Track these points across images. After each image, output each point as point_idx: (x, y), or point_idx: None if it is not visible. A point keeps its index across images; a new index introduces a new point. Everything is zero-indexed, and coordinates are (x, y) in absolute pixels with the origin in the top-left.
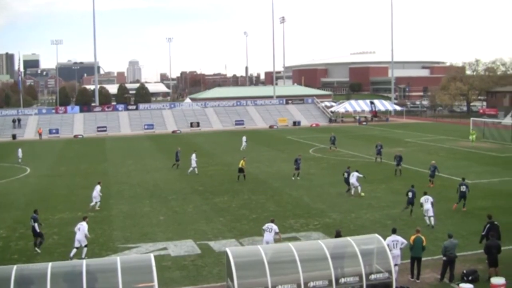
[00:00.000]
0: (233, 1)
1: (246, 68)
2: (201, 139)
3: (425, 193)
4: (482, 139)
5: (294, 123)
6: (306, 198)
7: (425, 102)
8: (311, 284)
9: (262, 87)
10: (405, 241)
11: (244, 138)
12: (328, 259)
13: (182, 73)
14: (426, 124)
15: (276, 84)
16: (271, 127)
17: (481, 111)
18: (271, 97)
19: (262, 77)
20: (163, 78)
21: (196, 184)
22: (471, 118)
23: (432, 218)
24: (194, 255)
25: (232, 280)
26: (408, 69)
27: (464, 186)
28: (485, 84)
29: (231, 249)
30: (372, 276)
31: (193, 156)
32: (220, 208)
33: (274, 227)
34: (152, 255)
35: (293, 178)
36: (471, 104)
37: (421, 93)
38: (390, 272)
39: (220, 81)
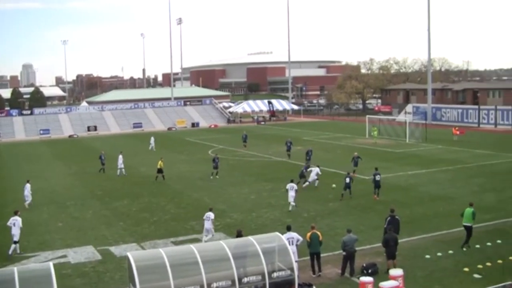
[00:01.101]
0: (129, 3)
1: (144, 70)
2: (99, 143)
3: (291, 181)
4: (378, 136)
5: (193, 125)
6: (206, 199)
7: (322, 101)
8: (214, 284)
9: (160, 89)
10: (300, 238)
11: (152, 139)
12: (230, 259)
13: (78, 76)
14: (323, 122)
15: (174, 85)
16: (169, 129)
17: (376, 108)
18: (169, 98)
19: (160, 78)
20: (59, 81)
21: (95, 189)
22: (367, 116)
23: (292, 204)
24: (95, 261)
25: (134, 285)
26: (304, 68)
27: (378, 176)
28: (379, 82)
29: (133, 253)
30: (275, 274)
31: (120, 157)
32: (120, 212)
33: (211, 216)
34: (51, 264)
35: (211, 177)
36: (367, 102)
37: (318, 92)
38: (292, 269)
39: (117, 83)
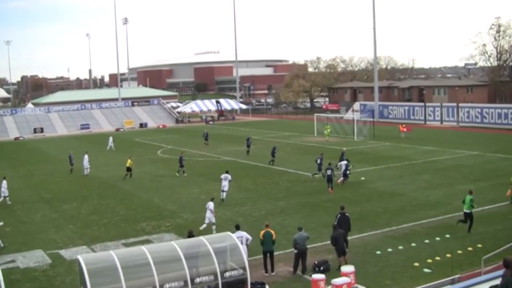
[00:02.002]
0: (74, 3)
1: (90, 71)
2: (46, 145)
3: (227, 172)
4: (325, 134)
5: (141, 125)
6: (156, 200)
7: (270, 100)
8: (167, 285)
9: (107, 90)
10: (250, 237)
11: (110, 139)
12: (182, 260)
13: (23, 78)
14: (272, 121)
15: (121, 86)
16: (117, 129)
17: (324, 107)
18: (116, 99)
19: (107, 79)
20: (3, 83)
21: (43, 191)
22: (315, 114)
23: (224, 194)
24: (44, 266)
25: None
26: (252, 67)
27: (329, 170)
28: (326, 81)
29: (83, 256)
30: (227, 274)
31: (85, 157)
32: (69, 215)
33: (211, 206)
34: None
35: (177, 174)
36: (315, 100)
37: (266, 91)
38: (244, 268)
39: (64, 84)
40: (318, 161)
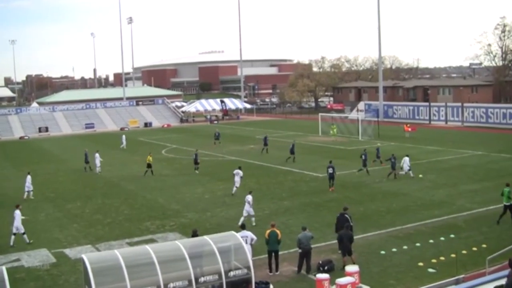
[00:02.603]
0: (76, 2)
1: (95, 70)
2: (50, 144)
3: (239, 168)
4: (330, 134)
5: (146, 124)
6: (160, 199)
7: (274, 99)
8: (171, 285)
9: (112, 89)
10: (254, 237)
11: (123, 137)
12: (186, 259)
13: (28, 77)
14: (276, 121)
15: (126, 85)
16: (122, 129)
17: (328, 106)
18: (121, 99)
19: (111, 78)
20: (8, 82)
21: (47, 191)
22: (320, 114)
23: (235, 189)
24: (49, 265)
25: (90, 287)
26: (256, 67)
27: (331, 168)
28: (331, 80)
29: (88, 255)
30: (231, 273)
31: (97, 155)
32: (74, 214)
33: (249, 199)
34: (4, 268)
35: (196, 172)
36: (319, 100)
37: (270, 91)
38: (248, 268)
39: (68, 84)
40: (363, 157)
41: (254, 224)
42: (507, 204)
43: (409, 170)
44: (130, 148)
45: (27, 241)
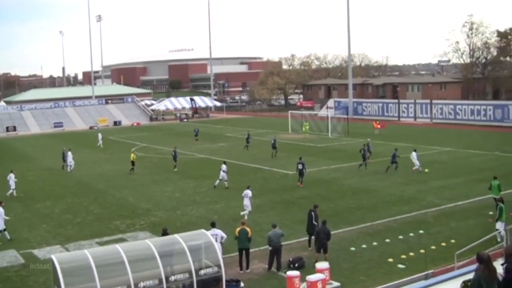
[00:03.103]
0: None
1: (63, 69)
2: (18, 143)
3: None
4: (300, 131)
5: (115, 123)
6: (130, 198)
7: (244, 97)
8: (142, 284)
9: (81, 88)
10: (224, 235)
11: (99, 135)
12: (156, 258)
13: None
14: (246, 118)
15: (95, 84)
16: (91, 128)
17: (298, 104)
18: (90, 97)
19: (80, 77)
20: None
21: (16, 190)
22: (289, 111)
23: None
24: (17, 265)
25: None
26: (226, 65)
27: (300, 164)
28: (301, 78)
29: (57, 255)
30: (202, 272)
31: (69, 153)
32: (43, 214)
33: (249, 193)
34: None
35: (175, 170)
36: (289, 97)
37: (240, 89)
38: (219, 266)
39: (36, 82)
40: (362, 152)
41: (246, 217)
42: (497, 197)
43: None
44: (99, 148)
45: (8, 237)
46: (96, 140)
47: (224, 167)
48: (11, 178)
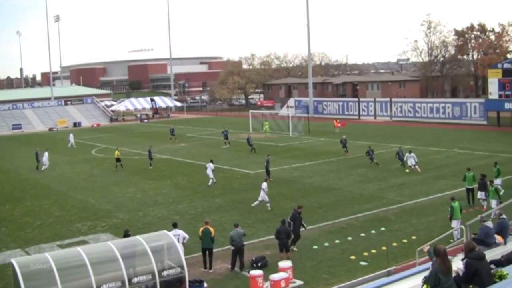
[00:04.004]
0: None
1: (21, 70)
2: None
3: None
4: (261, 130)
5: (75, 124)
6: (91, 200)
7: (204, 97)
8: (104, 286)
9: (39, 89)
10: (186, 235)
11: (71, 136)
12: (119, 260)
13: None
14: (207, 118)
15: (54, 85)
16: (50, 129)
17: (259, 103)
18: (49, 98)
19: (39, 78)
20: None
21: None
22: (250, 111)
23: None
24: None
25: None
26: (186, 65)
27: (266, 162)
28: (261, 77)
29: (17, 259)
30: (165, 273)
31: (46, 154)
32: (2, 217)
33: (264, 186)
34: None
35: (151, 167)
36: (249, 97)
37: (201, 88)
38: (182, 266)
39: None
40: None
41: (269, 209)
42: (470, 187)
43: (415, 164)
44: (59, 149)
45: None
46: (66, 142)
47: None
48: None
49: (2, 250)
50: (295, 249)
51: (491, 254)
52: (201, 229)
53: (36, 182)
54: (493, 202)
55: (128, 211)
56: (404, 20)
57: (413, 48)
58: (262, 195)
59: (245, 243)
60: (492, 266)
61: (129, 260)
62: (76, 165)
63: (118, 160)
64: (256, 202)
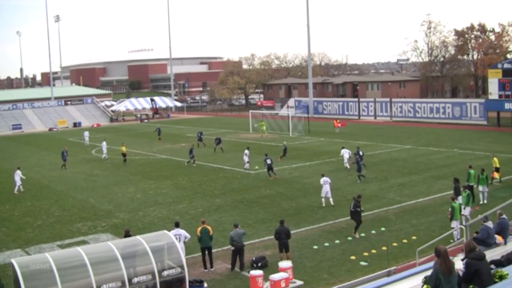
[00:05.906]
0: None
1: (21, 70)
2: None
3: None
4: (260, 130)
5: (75, 124)
6: (91, 200)
7: (204, 97)
8: (104, 286)
9: (39, 89)
10: (188, 235)
11: (86, 133)
12: (119, 260)
13: None
14: (207, 118)
15: (54, 85)
16: (50, 129)
17: (259, 103)
18: (49, 98)
19: (39, 78)
20: None
21: None
22: (250, 111)
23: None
24: None
25: None
26: (186, 65)
27: (269, 160)
28: (261, 78)
29: (17, 259)
30: (165, 273)
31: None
32: (2, 217)
33: (328, 180)
34: None
35: (194, 164)
36: (249, 97)
37: (201, 88)
38: (182, 266)
39: None
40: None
41: (333, 204)
42: (472, 184)
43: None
44: (59, 149)
45: None
46: (66, 142)
47: (247, 152)
48: (18, 174)
49: (2, 250)
50: (358, 235)
51: (491, 254)
52: (199, 228)
53: (36, 182)
54: (467, 209)
55: (128, 211)
56: (404, 20)
57: (413, 48)
58: (327, 190)
59: (245, 243)
60: (492, 266)
61: (129, 260)
62: (76, 165)
63: (124, 155)
64: (323, 200)
